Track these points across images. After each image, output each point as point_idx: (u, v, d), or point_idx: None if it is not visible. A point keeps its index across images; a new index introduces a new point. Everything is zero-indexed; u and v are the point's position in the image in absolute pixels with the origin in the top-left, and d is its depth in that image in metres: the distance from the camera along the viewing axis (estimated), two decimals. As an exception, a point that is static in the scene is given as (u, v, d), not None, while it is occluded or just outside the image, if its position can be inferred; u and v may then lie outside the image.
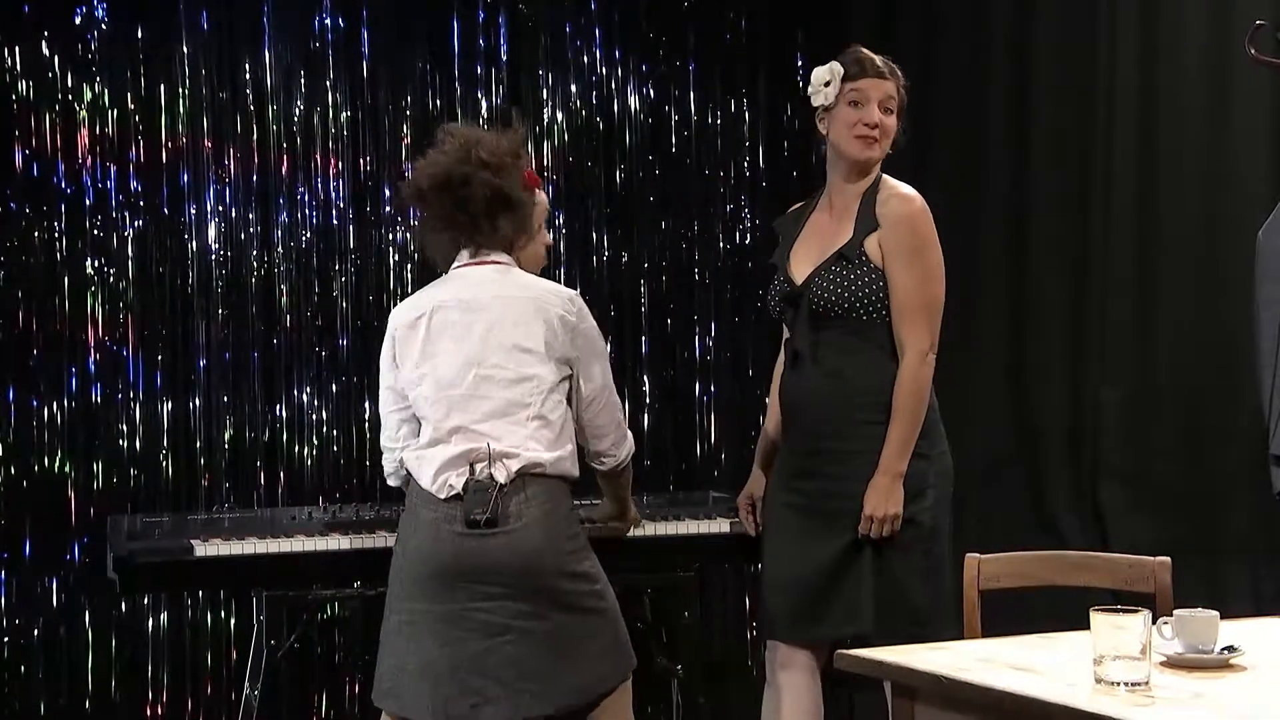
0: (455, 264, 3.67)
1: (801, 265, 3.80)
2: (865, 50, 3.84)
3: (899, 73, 3.85)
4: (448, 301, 3.59)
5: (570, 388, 3.58)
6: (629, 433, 3.73)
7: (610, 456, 3.70)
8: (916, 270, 3.71)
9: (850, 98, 3.77)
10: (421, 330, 3.59)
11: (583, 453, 3.70)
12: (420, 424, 3.60)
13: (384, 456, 3.71)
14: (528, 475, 3.48)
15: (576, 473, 3.59)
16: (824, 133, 3.83)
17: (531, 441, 3.49)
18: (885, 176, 3.82)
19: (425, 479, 3.52)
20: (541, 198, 3.78)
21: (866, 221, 3.73)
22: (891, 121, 3.80)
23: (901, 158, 3.97)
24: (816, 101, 3.82)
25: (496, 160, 3.59)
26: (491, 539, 3.43)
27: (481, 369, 3.52)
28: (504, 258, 3.64)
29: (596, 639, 3.51)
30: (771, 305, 3.88)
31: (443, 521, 3.47)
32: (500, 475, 3.46)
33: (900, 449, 3.68)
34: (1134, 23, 5.05)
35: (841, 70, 3.78)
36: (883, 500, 3.66)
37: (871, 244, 3.72)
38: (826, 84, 3.79)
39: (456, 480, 3.48)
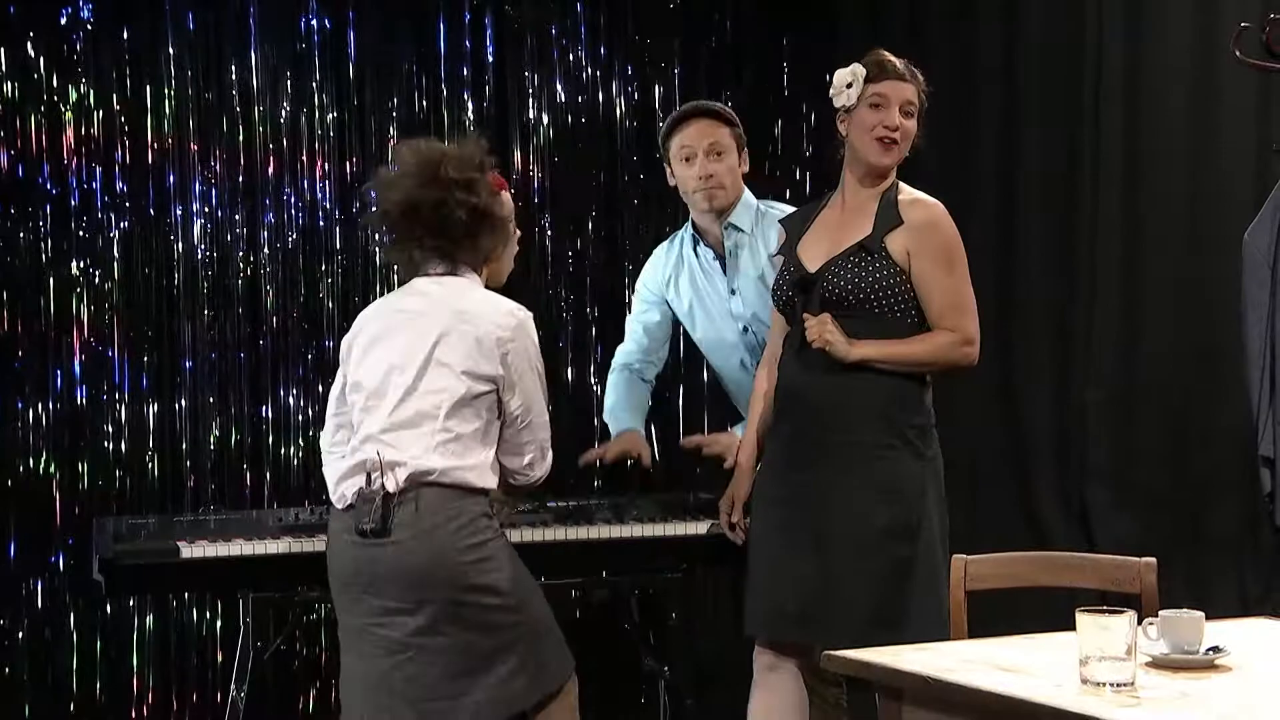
0: (417, 276, 3.65)
1: (814, 255, 3.79)
2: (888, 53, 3.82)
3: (920, 77, 3.83)
4: (392, 312, 3.61)
5: (496, 402, 3.55)
6: (550, 455, 3.67)
7: (523, 475, 3.64)
8: (959, 269, 3.74)
9: (871, 100, 3.75)
10: (365, 338, 3.62)
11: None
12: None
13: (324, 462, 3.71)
14: (421, 485, 3.44)
15: (484, 483, 3.52)
16: (843, 134, 3.82)
17: (431, 453, 3.46)
18: (900, 182, 3.82)
19: (330, 490, 3.57)
20: (507, 196, 3.75)
21: (888, 219, 3.72)
22: (911, 125, 3.78)
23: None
24: (838, 103, 3.80)
25: (467, 176, 3.56)
26: (381, 549, 3.43)
27: (400, 379, 3.52)
28: (465, 273, 3.62)
29: (508, 657, 3.46)
30: (778, 293, 3.86)
31: (343, 532, 3.51)
32: (390, 485, 3.44)
33: (887, 350, 3.67)
34: (1120, 26, 5.06)
35: (864, 72, 3.76)
36: (827, 331, 3.64)
37: (894, 242, 3.71)
38: (849, 85, 3.77)
39: (349, 490, 3.50)
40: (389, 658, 3.44)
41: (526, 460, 3.61)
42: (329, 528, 3.59)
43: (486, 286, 3.68)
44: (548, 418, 3.64)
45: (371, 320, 3.65)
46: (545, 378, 3.63)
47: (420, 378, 3.50)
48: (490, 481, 3.54)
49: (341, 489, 3.52)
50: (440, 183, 3.53)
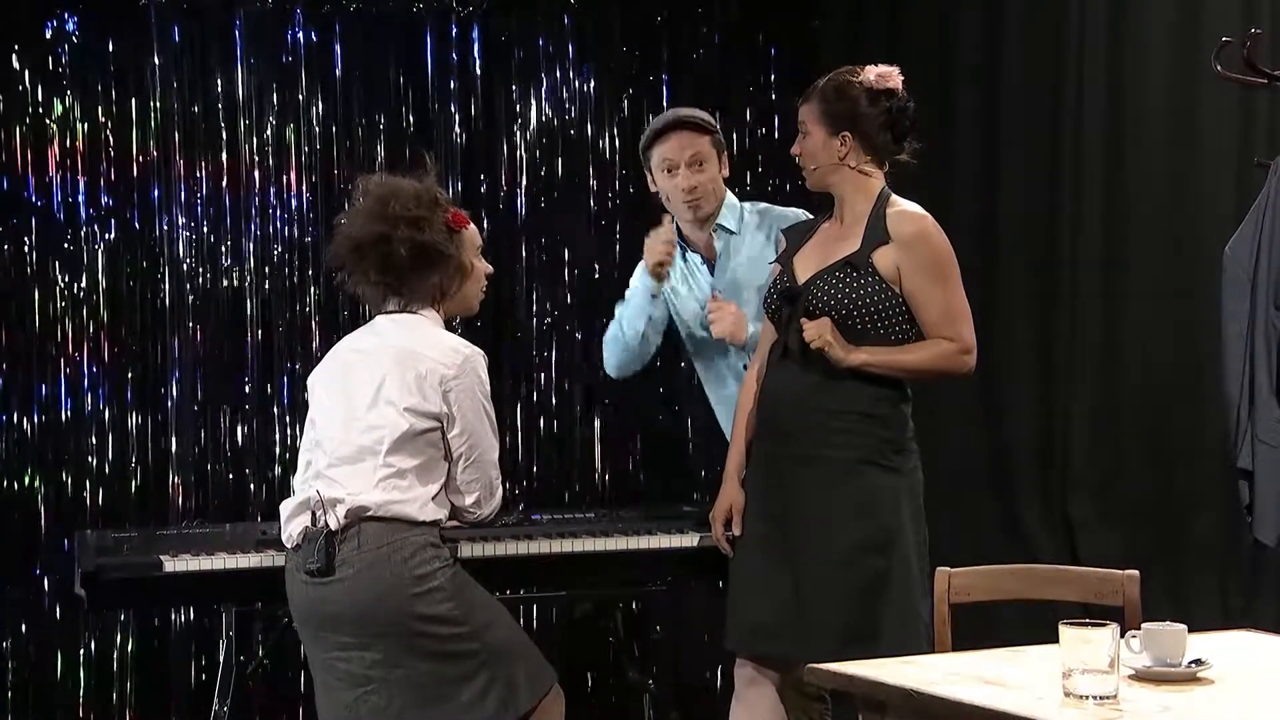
0: (379, 312, 3.67)
1: (806, 267, 3.80)
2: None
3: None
4: (349, 350, 3.64)
5: (442, 439, 3.55)
6: (499, 494, 3.65)
7: (470, 513, 3.64)
8: (951, 279, 3.74)
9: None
10: (325, 376, 3.65)
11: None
12: None
13: None
14: (362, 520, 3.45)
15: (427, 516, 3.51)
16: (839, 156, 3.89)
17: (372, 488, 3.47)
18: (893, 195, 3.83)
19: (281, 529, 3.58)
20: (471, 231, 3.72)
21: (875, 234, 3.73)
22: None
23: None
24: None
25: (414, 214, 3.56)
26: (328, 587, 3.45)
27: (346, 416, 3.54)
28: (424, 310, 3.62)
29: (472, 682, 3.47)
30: (769, 301, 3.87)
31: (295, 570, 3.53)
32: (333, 522, 3.45)
33: (884, 357, 3.68)
34: (1101, 42, 5.08)
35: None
36: (827, 333, 3.65)
37: (882, 259, 3.71)
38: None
39: (295, 529, 3.52)
40: (353, 690, 3.46)
41: (473, 498, 3.61)
42: (285, 565, 3.60)
43: (452, 317, 3.69)
44: (496, 455, 3.62)
45: (332, 358, 3.68)
46: (494, 415, 3.61)
47: (365, 415, 3.52)
48: (435, 514, 3.54)
49: (289, 529, 3.54)
50: (386, 219, 3.55)
